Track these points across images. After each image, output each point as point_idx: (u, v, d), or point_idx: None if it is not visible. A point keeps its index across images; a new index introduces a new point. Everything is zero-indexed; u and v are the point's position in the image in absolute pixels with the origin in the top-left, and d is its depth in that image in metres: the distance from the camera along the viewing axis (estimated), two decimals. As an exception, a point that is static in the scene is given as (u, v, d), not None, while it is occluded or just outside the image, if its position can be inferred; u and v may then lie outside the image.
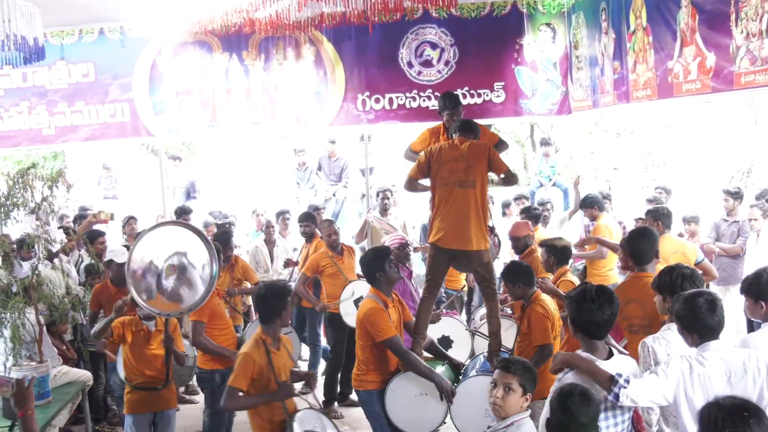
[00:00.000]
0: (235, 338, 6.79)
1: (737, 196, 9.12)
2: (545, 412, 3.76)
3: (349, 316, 7.57)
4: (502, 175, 6.33)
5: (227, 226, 10.25)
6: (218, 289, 6.75)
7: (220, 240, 7.72)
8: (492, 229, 7.18)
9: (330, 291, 8.23)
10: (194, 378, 7.57)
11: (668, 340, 4.48)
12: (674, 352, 4.27)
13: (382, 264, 5.91)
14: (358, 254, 8.55)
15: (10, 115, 10.30)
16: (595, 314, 3.96)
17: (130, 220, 10.19)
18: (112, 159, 15.11)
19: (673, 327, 4.45)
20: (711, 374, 3.79)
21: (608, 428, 3.86)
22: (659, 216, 7.28)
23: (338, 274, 8.19)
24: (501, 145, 7.01)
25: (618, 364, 4.00)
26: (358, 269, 8.04)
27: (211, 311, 6.44)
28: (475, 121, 6.65)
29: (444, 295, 9.26)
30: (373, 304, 5.80)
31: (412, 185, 6.52)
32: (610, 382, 3.73)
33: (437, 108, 7.36)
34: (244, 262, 8.68)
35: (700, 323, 3.91)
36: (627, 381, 3.73)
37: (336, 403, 8.38)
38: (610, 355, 4.05)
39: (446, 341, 6.88)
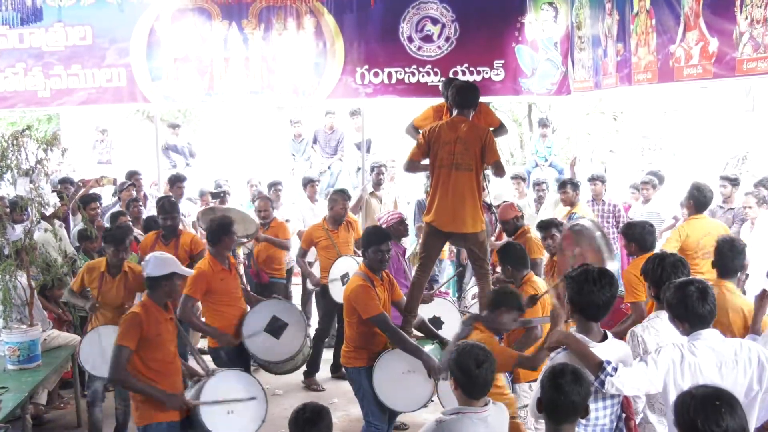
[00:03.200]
0: (243, 312, 6.65)
1: (735, 182, 9.12)
2: (536, 392, 3.77)
3: (339, 294, 7.56)
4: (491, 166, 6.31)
5: (221, 195, 10.24)
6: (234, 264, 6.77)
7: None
8: (489, 207, 7.18)
9: (324, 264, 8.24)
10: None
11: (657, 329, 4.50)
12: (663, 341, 4.28)
13: (378, 242, 5.92)
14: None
15: (5, 76, 10.21)
16: (595, 295, 3.97)
17: (129, 187, 10.14)
18: (107, 124, 15.03)
19: (662, 315, 4.46)
20: (702, 364, 3.79)
21: (597, 411, 3.88)
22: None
23: (332, 248, 8.19)
24: (501, 129, 6.96)
25: (611, 347, 4.02)
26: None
27: (209, 287, 6.37)
28: (473, 87, 6.54)
29: (437, 274, 9.30)
30: (360, 281, 5.81)
31: (412, 166, 6.49)
32: (598, 368, 3.74)
33: (439, 87, 7.29)
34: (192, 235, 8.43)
35: (691, 312, 3.90)
36: (615, 369, 3.73)
37: (328, 375, 8.44)
38: (605, 338, 4.07)
39: (437, 322, 6.88)
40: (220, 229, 6.48)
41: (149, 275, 5.23)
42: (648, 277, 4.75)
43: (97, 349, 6.20)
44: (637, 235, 6.32)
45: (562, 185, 9.26)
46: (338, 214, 8.34)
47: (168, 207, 7.60)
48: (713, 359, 3.81)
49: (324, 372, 8.47)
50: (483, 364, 3.80)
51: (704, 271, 6.53)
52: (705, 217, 7.40)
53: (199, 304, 6.68)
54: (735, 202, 8.97)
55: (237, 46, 10.11)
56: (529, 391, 5.43)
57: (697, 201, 7.28)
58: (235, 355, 6.41)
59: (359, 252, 8.11)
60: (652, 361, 3.82)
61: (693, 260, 6.73)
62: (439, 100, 7.22)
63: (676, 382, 3.79)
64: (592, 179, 10.00)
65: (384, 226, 7.36)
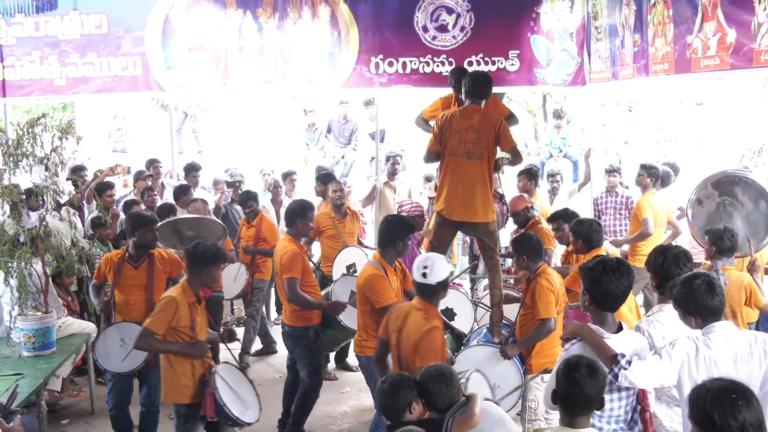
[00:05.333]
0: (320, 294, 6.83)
1: (749, 175, 9.06)
2: (550, 384, 3.77)
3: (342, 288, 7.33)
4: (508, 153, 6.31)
5: (236, 184, 10.27)
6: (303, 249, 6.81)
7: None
8: (501, 197, 7.16)
9: (327, 253, 8.24)
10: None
11: (662, 322, 4.48)
12: (669, 334, 4.27)
13: (405, 235, 5.96)
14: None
15: (21, 64, 10.24)
16: (613, 285, 3.98)
17: (146, 177, 10.17)
18: (122, 112, 15.10)
19: (665, 308, 4.45)
20: (717, 357, 3.78)
21: (612, 402, 3.88)
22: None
23: (337, 237, 8.18)
24: (511, 119, 6.93)
25: (626, 339, 4.02)
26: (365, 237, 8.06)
27: (303, 268, 6.48)
28: (488, 78, 6.52)
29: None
30: (374, 270, 5.82)
31: (431, 157, 6.47)
32: (612, 361, 3.74)
33: (448, 78, 7.26)
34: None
35: (701, 305, 3.90)
36: (629, 362, 3.73)
37: (332, 365, 8.50)
38: (620, 329, 4.07)
39: (449, 313, 6.87)
40: (296, 212, 6.64)
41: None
42: (650, 268, 4.75)
43: (114, 347, 6.13)
44: (584, 233, 6.41)
45: (520, 173, 9.32)
46: (335, 196, 8.33)
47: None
48: (729, 352, 3.80)
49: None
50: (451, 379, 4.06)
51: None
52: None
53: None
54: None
55: (252, 35, 10.09)
56: (541, 383, 5.41)
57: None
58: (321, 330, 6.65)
59: (364, 243, 8.12)
60: (666, 355, 3.81)
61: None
62: (450, 91, 7.20)
63: (691, 375, 3.77)
64: (611, 171, 9.95)
65: (404, 214, 7.36)
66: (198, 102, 16.32)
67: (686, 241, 8.09)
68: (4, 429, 3.67)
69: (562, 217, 7.16)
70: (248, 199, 8.71)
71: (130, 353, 5.90)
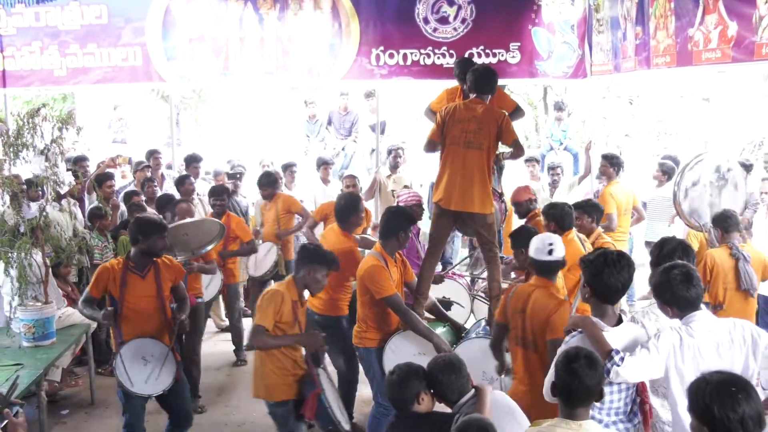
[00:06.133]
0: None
1: (749, 168, 9.10)
2: (550, 376, 3.77)
3: None
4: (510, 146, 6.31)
5: (237, 176, 10.27)
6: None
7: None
8: (500, 195, 7.17)
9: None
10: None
11: (657, 314, 4.51)
12: (664, 326, 4.29)
13: (407, 226, 5.97)
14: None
15: (21, 54, 10.21)
16: (613, 278, 4.00)
17: (144, 168, 10.17)
18: (123, 103, 15.07)
19: None
20: (701, 346, 3.83)
21: (612, 394, 3.89)
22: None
23: None
24: (518, 112, 6.94)
25: (625, 331, 4.03)
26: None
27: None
28: (493, 72, 6.52)
29: (451, 256, 9.28)
30: (375, 261, 5.82)
31: (432, 146, 6.48)
32: (607, 356, 3.75)
33: (454, 69, 7.25)
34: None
35: (676, 296, 3.94)
36: (622, 359, 3.75)
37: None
38: (620, 321, 4.08)
39: (446, 303, 6.88)
40: (348, 208, 6.67)
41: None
42: (652, 261, 4.78)
43: (136, 367, 5.53)
44: (557, 215, 6.46)
45: (528, 160, 9.41)
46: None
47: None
48: (711, 340, 3.86)
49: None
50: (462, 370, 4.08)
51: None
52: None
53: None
54: (748, 188, 8.94)
55: (252, 26, 10.06)
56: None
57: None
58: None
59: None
60: (653, 347, 3.85)
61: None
62: (453, 83, 7.19)
63: (677, 365, 3.83)
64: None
65: (402, 204, 7.37)
66: (192, 92, 16.29)
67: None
68: (12, 423, 3.68)
69: (582, 207, 7.18)
70: (215, 194, 8.36)
71: (161, 372, 5.55)
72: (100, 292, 5.63)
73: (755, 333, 3.92)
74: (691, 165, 7.17)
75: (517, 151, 6.35)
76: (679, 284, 3.91)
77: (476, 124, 6.09)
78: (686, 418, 3.62)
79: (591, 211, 6.98)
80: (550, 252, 4.86)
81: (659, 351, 3.83)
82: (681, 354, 3.82)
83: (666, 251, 4.68)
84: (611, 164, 8.86)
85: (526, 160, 10.69)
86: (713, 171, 7.18)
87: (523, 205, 7.60)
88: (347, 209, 6.65)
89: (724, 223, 6.46)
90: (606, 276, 4.01)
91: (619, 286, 4.03)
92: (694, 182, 7.15)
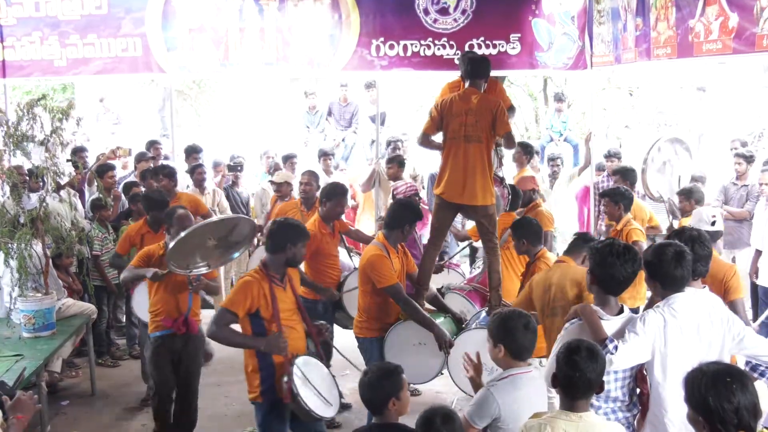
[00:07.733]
0: (341, 274, 6.99)
1: (750, 159, 9.10)
2: (550, 368, 3.78)
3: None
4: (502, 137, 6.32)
5: (237, 167, 10.27)
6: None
7: None
8: (502, 180, 7.19)
9: None
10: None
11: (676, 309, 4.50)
12: (682, 322, 4.30)
13: (413, 220, 6.00)
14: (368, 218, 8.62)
15: (21, 44, 10.17)
16: (617, 269, 4.03)
17: (147, 159, 10.17)
18: (118, 95, 15.03)
19: (677, 296, 4.47)
20: (683, 326, 3.89)
21: (608, 383, 3.90)
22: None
23: None
24: (510, 110, 6.93)
25: (625, 322, 4.04)
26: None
27: (317, 248, 6.59)
28: (484, 57, 6.53)
29: (448, 246, 9.26)
30: (377, 251, 5.84)
31: (425, 140, 6.49)
32: (601, 345, 3.77)
33: (457, 63, 7.24)
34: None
35: (664, 272, 3.98)
36: (616, 347, 3.80)
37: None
38: (621, 311, 4.09)
39: (443, 293, 6.88)
40: (329, 195, 6.79)
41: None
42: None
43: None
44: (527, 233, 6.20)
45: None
46: (304, 190, 7.98)
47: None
48: (692, 320, 3.91)
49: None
50: (529, 326, 3.95)
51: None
52: None
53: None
54: (749, 179, 8.96)
55: (252, 17, 10.03)
56: (539, 367, 5.43)
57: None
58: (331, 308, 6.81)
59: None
60: (641, 332, 3.90)
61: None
62: (454, 75, 7.19)
63: (659, 347, 3.89)
64: (609, 156, 9.96)
65: (400, 196, 7.35)
66: (192, 83, 16.26)
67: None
68: (20, 399, 3.60)
69: (608, 195, 7.20)
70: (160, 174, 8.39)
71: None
72: (245, 311, 4.95)
73: (731, 316, 4.04)
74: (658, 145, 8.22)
75: (509, 143, 6.39)
76: (670, 261, 3.95)
77: (473, 117, 6.11)
78: (666, 398, 3.81)
79: (618, 198, 7.01)
80: (713, 224, 5.76)
81: (647, 333, 3.89)
82: (663, 335, 3.89)
83: (682, 240, 4.69)
84: (525, 152, 9.19)
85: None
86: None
87: (526, 194, 7.63)
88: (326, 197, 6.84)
89: (694, 196, 7.26)
90: (609, 266, 4.03)
91: (621, 278, 4.04)
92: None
